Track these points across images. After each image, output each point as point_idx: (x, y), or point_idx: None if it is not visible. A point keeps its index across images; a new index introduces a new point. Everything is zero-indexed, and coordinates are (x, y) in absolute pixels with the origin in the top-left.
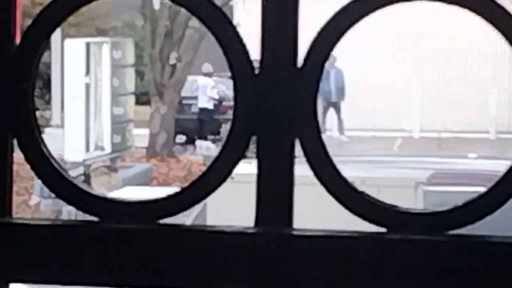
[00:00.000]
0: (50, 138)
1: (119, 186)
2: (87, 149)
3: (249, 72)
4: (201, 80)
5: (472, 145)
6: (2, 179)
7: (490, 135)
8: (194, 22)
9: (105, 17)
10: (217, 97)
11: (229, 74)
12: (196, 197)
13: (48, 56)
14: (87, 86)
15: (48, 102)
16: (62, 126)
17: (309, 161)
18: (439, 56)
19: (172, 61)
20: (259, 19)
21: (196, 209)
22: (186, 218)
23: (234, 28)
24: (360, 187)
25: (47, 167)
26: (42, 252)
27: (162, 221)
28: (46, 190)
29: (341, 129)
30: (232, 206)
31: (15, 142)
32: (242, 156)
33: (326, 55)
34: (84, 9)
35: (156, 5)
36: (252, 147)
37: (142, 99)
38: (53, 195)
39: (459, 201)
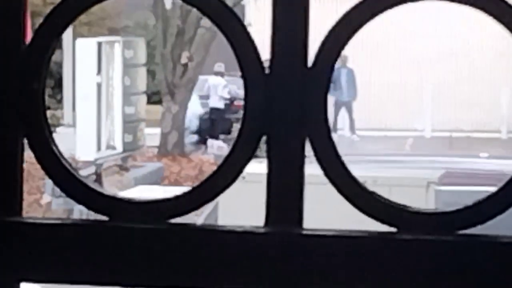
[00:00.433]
0: (62, 137)
1: (130, 185)
2: (99, 148)
3: (259, 72)
4: (212, 79)
5: (484, 144)
6: (13, 179)
7: (501, 134)
8: (206, 22)
9: (116, 17)
10: (228, 96)
11: (240, 73)
12: (206, 196)
13: (60, 56)
14: (99, 86)
15: (60, 101)
16: (73, 125)
17: (319, 160)
18: (450, 56)
19: (183, 60)
20: (270, 18)
21: (207, 208)
22: (197, 217)
23: (244, 28)
24: (372, 187)
25: (57, 166)
26: (53, 251)
27: (172, 221)
28: (57, 189)
29: (352, 129)
30: (244, 206)
31: (25, 141)
32: (252, 155)
33: (337, 55)
34: (95, 9)
35: (168, 5)
36: (264, 147)
37: (153, 98)
38: (64, 194)
39: (471, 201)
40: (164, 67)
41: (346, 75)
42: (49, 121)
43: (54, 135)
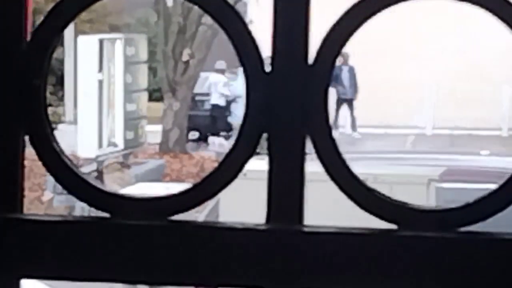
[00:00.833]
0: (63, 134)
1: (132, 182)
2: (100, 145)
3: (260, 70)
4: (213, 77)
5: (485, 142)
6: (13, 176)
7: (502, 132)
8: (207, 19)
9: (118, 14)
10: (229, 93)
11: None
12: (207, 193)
13: (61, 53)
14: (100, 83)
15: (61, 98)
16: (75, 122)
17: (320, 158)
18: (452, 53)
19: (185, 57)
20: (271, 15)
21: (208, 205)
22: (199, 214)
23: (245, 25)
24: (373, 184)
25: (58, 163)
26: (53, 248)
27: (173, 218)
28: (59, 186)
29: (353, 126)
30: (245, 203)
31: (27, 138)
32: (253, 153)
33: (337, 52)
34: (97, 6)
35: (169, 2)
36: (265, 144)
37: (155, 95)
38: (65, 191)
39: (471, 198)
40: (166, 64)
41: (348, 73)
42: (51, 118)
43: (55, 132)
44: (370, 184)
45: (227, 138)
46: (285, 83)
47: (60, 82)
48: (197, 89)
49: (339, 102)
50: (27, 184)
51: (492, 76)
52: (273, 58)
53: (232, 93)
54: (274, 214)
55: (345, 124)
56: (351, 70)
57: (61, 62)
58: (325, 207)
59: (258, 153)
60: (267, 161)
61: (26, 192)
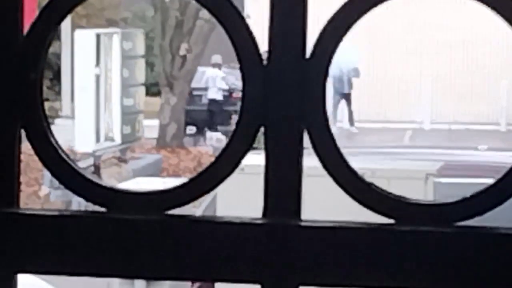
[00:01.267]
0: (60, 129)
1: (129, 177)
2: (97, 140)
3: (257, 63)
4: (210, 71)
5: (483, 137)
6: (10, 170)
7: (500, 127)
8: (205, 13)
9: (115, 8)
10: (226, 87)
11: (238, 65)
12: (204, 188)
13: (58, 47)
14: (97, 77)
15: (58, 93)
16: (72, 117)
17: (317, 152)
18: (450, 48)
19: (182, 52)
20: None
21: (205, 200)
22: (196, 209)
23: (243, 19)
24: (370, 179)
25: (55, 157)
26: (50, 242)
27: (170, 212)
28: (56, 181)
29: (351, 121)
30: (243, 197)
31: (23, 133)
32: (250, 147)
33: (335, 46)
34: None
35: None
36: (262, 138)
37: (152, 90)
38: (62, 186)
39: (469, 193)
40: (163, 58)
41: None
42: (48, 112)
43: (52, 127)
44: (368, 178)
45: (224, 132)
46: (283, 77)
47: (57, 76)
48: (194, 84)
49: (337, 96)
50: (23, 178)
51: (490, 71)
52: (270, 52)
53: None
54: (271, 209)
55: (342, 118)
56: None
57: (58, 56)
58: (323, 202)
59: (255, 148)
60: (264, 156)
61: (23, 187)
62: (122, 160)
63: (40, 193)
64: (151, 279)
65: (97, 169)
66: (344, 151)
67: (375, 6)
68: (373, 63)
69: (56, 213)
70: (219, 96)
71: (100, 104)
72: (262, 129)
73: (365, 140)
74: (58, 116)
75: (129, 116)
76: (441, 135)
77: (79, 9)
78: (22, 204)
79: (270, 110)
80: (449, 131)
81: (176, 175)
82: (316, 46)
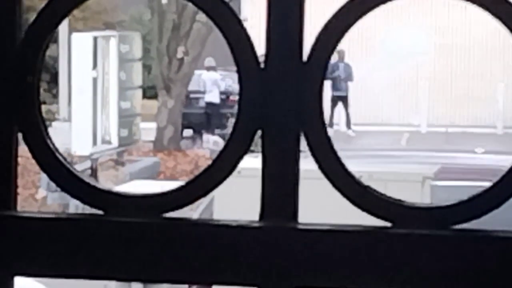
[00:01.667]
0: (57, 132)
1: (126, 180)
2: (94, 143)
3: (254, 66)
4: (206, 74)
5: (480, 139)
6: (6, 173)
7: (497, 130)
8: (202, 16)
9: (112, 11)
10: (222, 89)
11: (235, 68)
12: (201, 190)
13: (56, 50)
14: (94, 80)
15: (55, 96)
16: (69, 120)
17: (314, 155)
18: (447, 51)
19: (179, 55)
20: (266, 12)
21: (203, 203)
22: (193, 212)
23: (240, 22)
24: (367, 182)
25: (52, 160)
26: (47, 245)
27: (167, 215)
28: (53, 184)
29: (348, 124)
30: (240, 200)
31: (20, 136)
32: (247, 150)
33: (332, 49)
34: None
35: None
36: (259, 141)
37: (149, 93)
38: (59, 188)
39: (466, 196)
40: (160, 61)
41: (344, 70)
42: (45, 115)
43: (49, 130)
44: (365, 181)
45: (221, 135)
46: (280, 80)
47: (54, 79)
48: (191, 87)
49: (334, 99)
50: (21, 181)
51: (487, 74)
52: (267, 55)
53: None
54: (268, 212)
55: (339, 121)
56: (347, 67)
57: (55, 59)
58: (320, 205)
59: (252, 151)
60: (261, 159)
61: (20, 190)
62: (119, 163)
63: (37, 196)
64: (148, 281)
65: (94, 172)
66: (341, 154)
67: (372, 9)
68: (370, 66)
69: (53, 216)
70: (216, 99)
71: (97, 107)
72: (259, 132)
73: (362, 143)
74: (55, 119)
75: (126, 119)
76: (438, 138)
77: (76, 12)
78: (19, 207)
79: (267, 113)
80: (446, 134)
81: (173, 178)
82: (313, 49)
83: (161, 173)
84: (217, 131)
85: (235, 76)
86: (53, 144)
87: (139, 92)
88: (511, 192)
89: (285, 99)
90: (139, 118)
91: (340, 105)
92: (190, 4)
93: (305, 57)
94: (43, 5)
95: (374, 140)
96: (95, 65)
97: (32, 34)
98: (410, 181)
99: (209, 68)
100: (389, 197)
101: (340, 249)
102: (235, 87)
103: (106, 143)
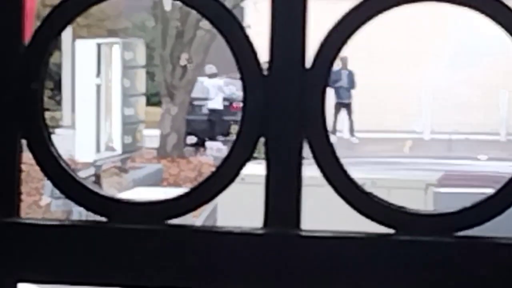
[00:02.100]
0: (61, 139)
1: (129, 187)
2: (98, 150)
3: (258, 73)
4: (208, 81)
5: (483, 147)
6: (10, 180)
7: (500, 137)
8: (205, 23)
9: (116, 18)
10: (227, 94)
11: (238, 75)
12: (204, 197)
13: (59, 57)
14: (98, 87)
15: (59, 103)
16: (73, 127)
17: (317, 162)
18: (450, 58)
19: (182, 62)
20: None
21: (206, 210)
22: (196, 218)
23: (243, 29)
24: (370, 189)
25: (55, 167)
26: (51, 252)
27: (170, 222)
28: (56, 190)
29: (351, 131)
30: (243, 207)
31: (24, 142)
32: (251, 157)
33: (335, 56)
34: (94, 10)
35: (167, 6)
36: (262, 148)
37: (152, 100)
38: (63, 195)
39: (469, 203)
40: (163, 68)
41: (347, 77)
42: (49, 122)
43: (53, 136)
44: (368, 188)
45: (224, 142)
46: (283, 87)
47: (58, 86)
48: (194, 94)
49: (338, 106)
50: (24, 188)
51: (490, 81)
52: (270, 62)
53: None
54: (271, 218)
55: (343, 128)
56: (350, 75)
57: (59, 66)
58: (323, 212)
59: (255, 157)
60: (264, 166)
61: (23, 197)
62: (122, 170)
63: (41, 202)
64: None
65: (97, 179)
66: (344, 161)
67: (375, 16)
68: (373, 73)
69: (57, 222)
70: (219, 106)
71: (100, 114)
72: (262, 139)
73: (365, 150)
74: (58, 126)
75: (129, 126)
76: (441, 145)
77: (79, 19)
78: (23, 214)
79: (270, 120)
80: (449, 141)
81: (176, 185)
82: (316, 56)
83: (164, 180)
84: (220, 138)
85: (238, 83)
86: (57, 151)
87: (143, 99)
88: None
89: (288, 106)
90: (142, 125)
91: (343, 112)
92: (193, 12)
93: (308, 64)
94: (47, 12)
95: (377, 147)
96: (98, 72)
97: (36, 41)
98: (413, 188)
99: (211, 75)
100: (392, 204)
101: (343, 256)
102: (238, 94)
103: (110, 150)
